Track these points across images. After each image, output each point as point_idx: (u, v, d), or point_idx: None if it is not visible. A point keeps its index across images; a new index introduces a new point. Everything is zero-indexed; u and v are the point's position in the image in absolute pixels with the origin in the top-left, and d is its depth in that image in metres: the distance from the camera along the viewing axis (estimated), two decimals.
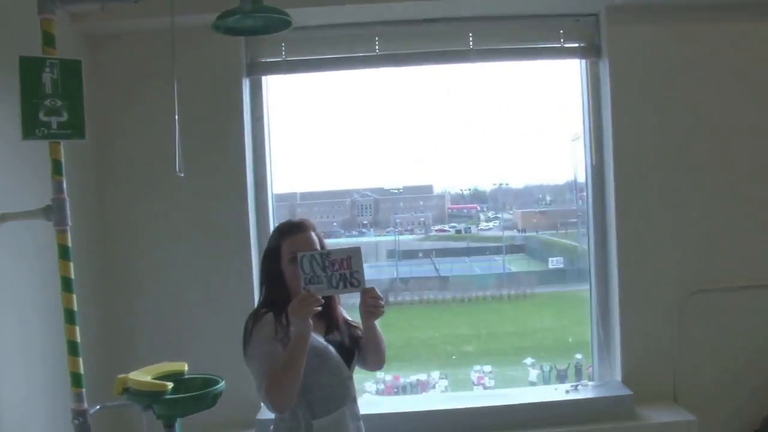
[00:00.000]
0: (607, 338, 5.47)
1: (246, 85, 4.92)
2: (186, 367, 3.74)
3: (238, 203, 4.86)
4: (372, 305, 3.07)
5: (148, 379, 3.49)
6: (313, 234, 3.21)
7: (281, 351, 2.96)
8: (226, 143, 4.78)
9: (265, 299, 3.19)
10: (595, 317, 5.66)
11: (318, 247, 3.17)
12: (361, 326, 3.24)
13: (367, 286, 3.05)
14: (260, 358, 2.98)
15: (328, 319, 3.26)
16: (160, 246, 4.77)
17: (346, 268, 3.02)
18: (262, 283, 3.26)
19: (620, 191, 4.89)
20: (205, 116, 4.64)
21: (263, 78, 5.01)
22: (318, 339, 3.13)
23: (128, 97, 4.64)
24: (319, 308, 2.93)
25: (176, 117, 3.61)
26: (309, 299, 2.91)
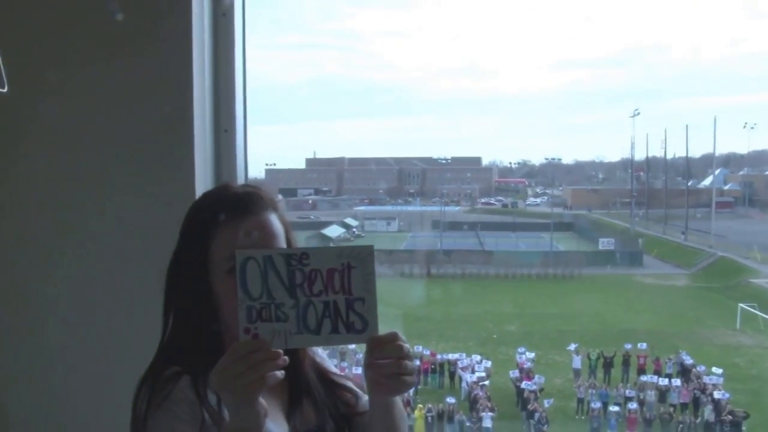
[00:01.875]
0: None
1: None
2: None
3: (172, 172, 2.87)
4: (388, 372, 1.81)
5: None
6: (272, 217, 1.95)
7: None
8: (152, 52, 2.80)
9: (173, 344, 1.92)
10: None
11: (281, 242, 1.96)
12: (362, 393, 2.06)
13: (383, 329, 1.82)
14: None
15: (294, 382, 1.97)
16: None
17: (339, 290, 1.77)
18: (168, 314, 1.95)
19: None
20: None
21: None
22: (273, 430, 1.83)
23: None
24: (280, 375, 1.69)
25: None
26: (255, 357, 1.64)
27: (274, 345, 1.69)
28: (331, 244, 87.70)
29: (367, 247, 1.75)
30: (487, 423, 27.24)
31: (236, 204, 1.92)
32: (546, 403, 28.15)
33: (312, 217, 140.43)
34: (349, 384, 2.11)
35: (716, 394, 28.33)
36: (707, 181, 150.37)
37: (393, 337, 1.80)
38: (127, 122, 2.81)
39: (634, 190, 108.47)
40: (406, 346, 1.81)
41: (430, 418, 27.53)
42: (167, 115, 2.79)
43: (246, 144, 3.10)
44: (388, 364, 1.78)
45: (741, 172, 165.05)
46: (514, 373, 32.66)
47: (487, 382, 30.89)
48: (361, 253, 1.76)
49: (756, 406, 29.85)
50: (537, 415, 27.20)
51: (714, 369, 31.47)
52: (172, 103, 2.78)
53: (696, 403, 29.33)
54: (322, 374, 2.08)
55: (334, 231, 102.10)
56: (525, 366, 32.72)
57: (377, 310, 1.77)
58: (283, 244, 1.94)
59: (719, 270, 68.90)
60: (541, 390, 30.06)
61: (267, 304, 1.71)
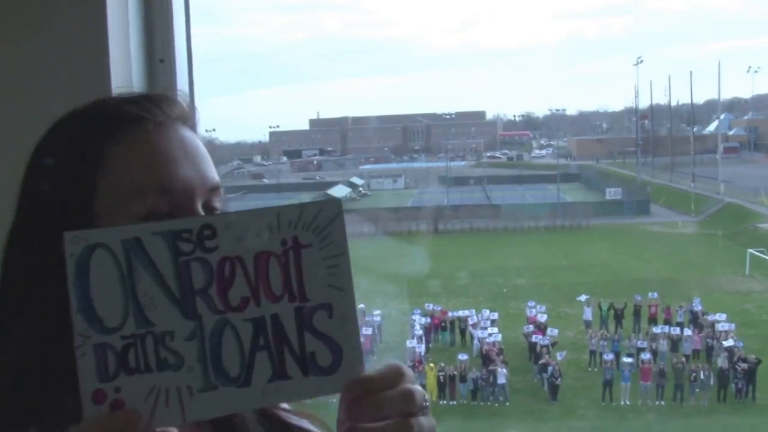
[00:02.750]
0: None
1: None
2: None
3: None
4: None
5: None
6: (184, 132, 1.20)
7: None
8: None
9: (9, 374, 1.09)
10: None
11: (207, 184, 1.18)
12: None
13: (379, 362, 1.08)
14: None
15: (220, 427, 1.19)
16: None
17: (282, 293, 0.93)
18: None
19: None
20: None
21: None
22: None
23: None
24: None
25: None
26: None
27: (157, 420, 0.89)
28: None
29: (331, 201, 0.96)
30: (501, 379, 27.27)
31: (139, 109, 1.17)
32: (559, 356, 28.17)
33: (317, 177, 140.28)
34: (310, 428, 1.33)
35: (728, 342, 28.28)
36: (712, 127, 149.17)
37: (393, 376, 1.02)
38: (32, 52, 2.44)
39: (639, 138, 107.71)
40: (419, 390, 1.03)
41: (441, 378, 27.55)
42: (79, 39, 2.42)
43: (192, 77, 2.70)
44: (387, 429, 1.00)
45: (746, 117, 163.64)
46: (527, 328, 32.64)
47: (498, 338, 30.88)
48: (321, 215, 0.94)
49: (767, 351, 29.86)
50: (550, 368, 27.21)
51: (723, 316, 31.38)
52: (83, 27, 2.41)
53: (708, 352, 29.33)
54: (268, 415, 1.30)
55: (340, 191, 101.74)
56: (536, 319, 32.72)
57: (356, 320, 1.00)
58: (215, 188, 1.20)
59: (727, 216, 68.56)
60: (554, 344, 30.05)
61: (138, 337, 0.89)
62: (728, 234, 61.07)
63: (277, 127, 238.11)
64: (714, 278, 45.69)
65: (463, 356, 28.36)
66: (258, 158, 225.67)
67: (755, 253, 45.58)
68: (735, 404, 26.21)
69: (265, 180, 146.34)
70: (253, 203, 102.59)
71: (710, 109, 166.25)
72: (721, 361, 26.87)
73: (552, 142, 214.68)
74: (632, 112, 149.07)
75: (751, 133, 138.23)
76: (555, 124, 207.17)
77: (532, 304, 35.05)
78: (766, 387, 27.04)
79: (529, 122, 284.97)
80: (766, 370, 27.50)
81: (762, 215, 63.98)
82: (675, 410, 26.06)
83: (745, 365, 26.37)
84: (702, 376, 26.39)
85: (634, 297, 34.85)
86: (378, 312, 36.02)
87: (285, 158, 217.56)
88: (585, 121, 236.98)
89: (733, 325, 30.36)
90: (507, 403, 27.18)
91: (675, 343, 29.95)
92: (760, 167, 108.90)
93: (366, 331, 32.40)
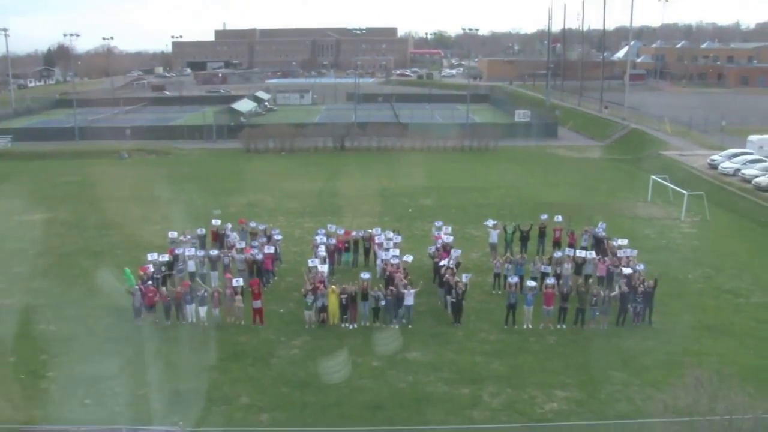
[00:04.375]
0: None
1: None
2: None
3: None
4: None
5: None
6: None
7: None
8: None
9: None
10: None
11: None
12: None
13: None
14: None
15: None
16: None
17: None
18: None
19: None
20: None
21: None
22: None
23: None
24: None
25: None
26: None
27: None
28: (242, 119, 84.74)
29: None
30: (409, 300, 26.52)
31: None
32: (464, 278, 27.62)
33: (222, 91, 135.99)
34: None
35: (629, 267, 28.37)
36: (621, 54, 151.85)
37: None
38: None
39: (550, 61, 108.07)
40: None
41: (344, 300, 26.58)
42: None
43: None
44: None
45: (654, 45, 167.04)
46: (431, 249, 31.95)
47: (407, 258, 30.07)
48: None
49: (665, 276, 30.26)
50: (454, 290, 26.64)
51: (626, 242, 31.51)
52: None
53: (610, 277, 29.42)
54: None
55: (245, 105, 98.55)
56: (441, 241, 32.02)
57: None
58: None
59: (632, 142, 69.82)
60: (458, 265, 29.49)
61: None
62: (632, 159, 62.17)
63: (180, 37, 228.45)
64: (617, 203, 46.24)
65: (365, 275, 27.40)
66: (160, 69, 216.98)
67: (657, 179, 46.22)
68: (633, 328, 26.44)
69: (167, 92, 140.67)
70: (153, 115, 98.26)
71: (620, 36, 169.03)
72: (622, 286, 26.93)
73: (463, 62, 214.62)
74: (544, 35, 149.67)
75: (658, 61, 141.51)
76: (467, 43, 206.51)
77: (438, 224, 34.30)
78: (662, 311, 27.43)
79: (440, 41, 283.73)
80: (662, 295, 27.86)
81: (665, 142, 65.33)
82: (576, 334, 26.05)
83: (642, 288, 26.51)
84: (602, 301, 26.43)
85: (540, 218, 34.63)
86: (277, 231, 34.52)
87: (189, 70, 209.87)
88: (497, 42, 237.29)
89: (635, 251, 30.50)
90: (410, 326, 26.55)
91: (578, 267, 29.90)
92: (665, 95, 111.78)
93: (267, 250, 31.04)
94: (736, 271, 32.63)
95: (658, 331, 26.33)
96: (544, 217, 34.60)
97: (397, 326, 26.56)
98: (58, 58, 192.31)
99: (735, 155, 53.10)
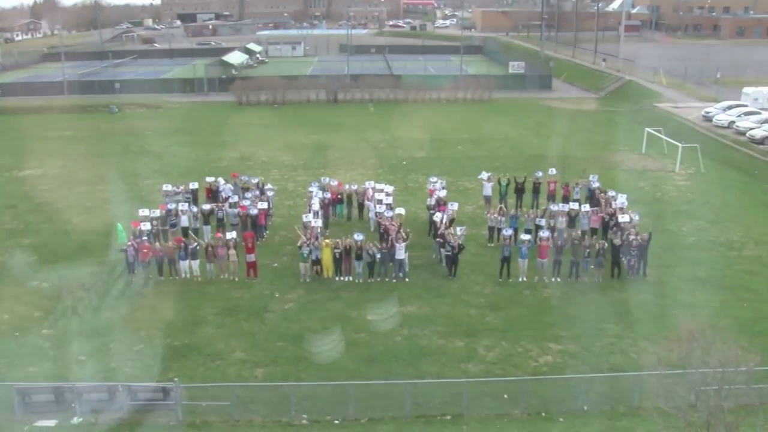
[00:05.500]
0: None
1: None
2: None
3: None
4: None
5: None
6: None
7: None
8: None
9: None
10: None
11: None
12: None
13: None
14: None
15: None
16: None
17: None
18: None
19: None
20: None
21: None
22: None
23: None
24: None
25: None
26: None
27: None
28: (234, 71, 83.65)
29: None
30: (401, 254, 26.44)
31: None
32: (459, 231, 27.54)
33: (213, 43, 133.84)
34: None
35: (623, 218, 28.31)
36: (616, 5, 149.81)
37: None
38: None
39: (544, 12, 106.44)
40: None
41: (338, 254, 26.49)
42: None
43: None
44: None
45: None
46: (430, 201, 31.70)
47: (399, 211, 29.90)
48: None
49: (659, 228, 30.27)
50: (449, 243, 26.56)
51: (620, 195, 31.41)
52: None
53: (604, 229, 29.38)
54: None
55: (236, 57, 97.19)
56: (436, 193, 31.81)
57: None
58: None
59: (626, 94, 69.24)
60: (453, 219, 29.37)
61: None
62: (627, 111, 61.74)
63: None
64: (611, 155, 46.00)
65: (358, 236, 27.16)
66: (149, 22, 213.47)
67: (652, 131, 45.93)
68: (627, 281, 26.51)
69: (156, 45, 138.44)
70: (143, 69, 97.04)
71: None
72: (615, 239, 26.91)
73: (456, 13, 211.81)
74: None
75: (654, 12, 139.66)
76: None
77: (434, 179, 33.99)
78: (656, 264, 27.48)
79: None
80: (656, 248, 27.86)
81: (660, 94, 64.83)
82: (570, 287, 26.12)
83: (637, 240, 26.49)
84: (597, 254, 26.43)
85: (535, 173, 34.36)
86: (270, 186, 34.20)
87: (178, 22, 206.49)
88: None
89: (626, 203, 30.42)
90: (407, 279, 26.54)
91: (572, 220, 29.82)
92: (660, 47, 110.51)
93: (261, 205, 30.83)
94: (729, 224, 32.66)
95: (652, 283, 26.42)
96: (539, 174, 34.30)
97: (394, 280, 26.60)
98: (44, 10, 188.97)
99: (729, 107, 52.83)
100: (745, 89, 58.28)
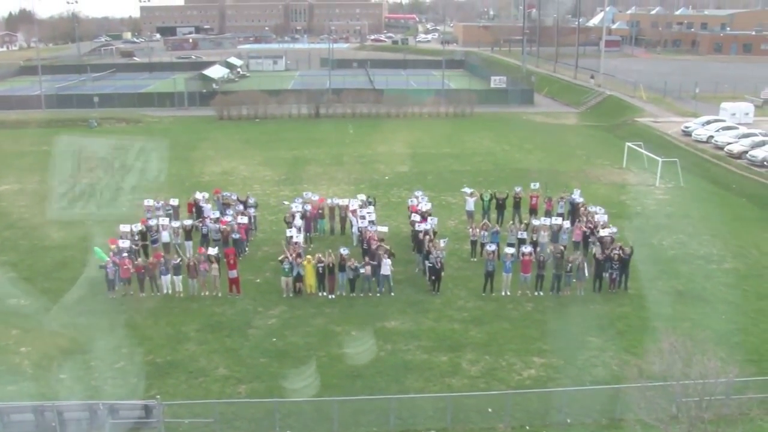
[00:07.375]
0: None
1: None
2: None
3: None
4: None
5: None
6: None
7: None
8: None
9: None
10: None
11: None
12: None
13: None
14: None
15: None
16: None
17: None
18: None
19: None
20: None
21: None
22: None
23: None
24: None
25: None
26: None
27: None
28: (214, 86, 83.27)
29: None
30: (386, 270, 26.44)
31: None
32: (442, 243, 27.61)
33: (193, 57, 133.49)
34: None
35: (604, 233, 28.50)
36: (597, 20, 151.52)
37: None
38: None
39: (525, 27, 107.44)
40: None
41: (320, 269, 26.43)
42: None
43: None
44: None
45: (629, 11, 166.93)
46: (412, 216, 31.74)
47: (383, 229, 29.91)
48: None
49: (640, 242, 30.52)
50: (432, 257, 26.60)
51: (601, 209, 31.65)
52: None
53: (586, 243, 29.55)
54: None
55: (217, 71, 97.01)
56: (418, 208, 31.87)
57: None
58: None
59: (607, 108, 69.84)
60: (435, 233, 29.43)
61: None
62: (607, 126, 62.25)
63: (149, 1, 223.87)
64: (593, 170, 46.37)
65: (344, 250, 27.10)
66: (128, 35, 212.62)
67: (632, 146, 46.36)
68: (608, 294, 26.66)
69: (136, 58, 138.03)
70: (122, 82, 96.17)
71: (596, 1, 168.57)
72: (597, 253, 27.08)
73: (438, 27, 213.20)
74: (520, 0, 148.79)
75: (633, 28, 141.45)
76: (442, 8, 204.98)
77: (419, 193, 34.05)
78: (637, 277, 27.69)
79: (415, 5, 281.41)
80: (637, 261, 28.09)
81: (640, 109, 65.46)
82: (553, 301, 26.24)
83: (618, 254, 26.68)
84: (579, 267, 26.59)
85: (514, 189, 34.36)
86: (253, 201, 34.11)
87: (158, 35, 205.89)
88: (471, 7, 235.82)
89: (606, 218, 30.66)
90: (392, 294, 26.53)
91: (555, 234, 29.97)
92: (640, 62, 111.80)
93: (241, 219, 30.73)
94: (708, 237, 32.98)
95: (633, 296, 26.60)
96: (518, 189, 34.34)
97: (378, 295, 26.57)
98: (20, 22, 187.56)
99: (708, 122, 53.47)
100: (723, 104, 59.04)
